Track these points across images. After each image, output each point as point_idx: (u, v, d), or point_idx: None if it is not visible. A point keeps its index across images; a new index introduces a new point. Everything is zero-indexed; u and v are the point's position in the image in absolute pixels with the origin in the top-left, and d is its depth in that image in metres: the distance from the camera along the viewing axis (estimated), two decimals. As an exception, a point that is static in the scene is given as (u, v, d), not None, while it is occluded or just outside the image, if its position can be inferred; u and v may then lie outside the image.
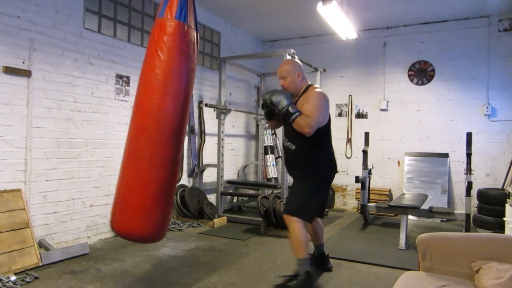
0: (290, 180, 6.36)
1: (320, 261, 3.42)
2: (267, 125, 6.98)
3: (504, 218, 4.16)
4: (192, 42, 2.44)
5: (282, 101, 2.84)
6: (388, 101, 6.44)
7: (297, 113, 2.80)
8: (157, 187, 2.36)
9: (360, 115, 6.68)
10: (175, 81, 2.36)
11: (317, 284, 3.05)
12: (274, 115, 3.12)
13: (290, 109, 2.82)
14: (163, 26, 2.34)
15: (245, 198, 6.46)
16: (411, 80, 6.29)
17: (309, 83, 3.12)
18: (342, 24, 4.88)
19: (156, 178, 2.35)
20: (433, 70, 6.14)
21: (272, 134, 7.05)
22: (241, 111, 6.44)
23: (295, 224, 2.88)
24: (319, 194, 3.03)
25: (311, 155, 2.98)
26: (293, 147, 3.02)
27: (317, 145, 2.97)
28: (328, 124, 3.03)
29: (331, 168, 3.13)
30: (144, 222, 2.36)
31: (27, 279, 2.98)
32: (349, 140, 6.73)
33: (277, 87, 3.24)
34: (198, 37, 2.55)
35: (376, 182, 6.41)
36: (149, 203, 2.35)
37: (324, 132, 2.99)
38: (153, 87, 2.33)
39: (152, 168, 2.34)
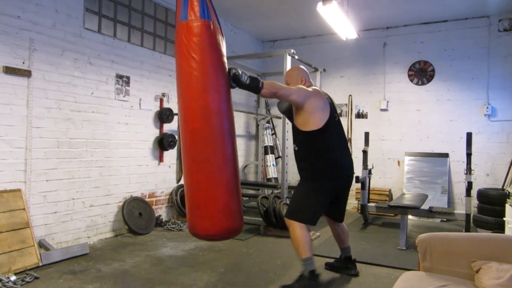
0: (290, 180, 6.38)
1: (345, 265, 3.35)
2: (267, 124, 6.99)
3: (504, 218, 4.16)
4: (220, 38, 2.48)
5: (244, 74, 2.53)
6: (388, 101, 6.44)
7: (261, 80, 2.62)
8: (226, 184, 2.41)
9: (360, 115, 6.68)
10: (214, 80, 2.37)
11: (322, 284, 3.03)
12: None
13: (257, 78, 2.65)
14: (190, 28, 2.34)
15: (245, 198, 6.46)
16: (411, 80, 6.29)
17: (313, 86, 3.12)
18: (342, 24, 4.88)
19: (222, 176, 2.39)
20: (433, 70, 6.14)
21: (272, 134, 7.06)
22: (241, 111, 6.44)
23: (293, 227, 2.89)
24: (319, 197, 2.95)
25: (311, 157, 2.98)
26: (296, 148, 3.05)
27: (318, 147, 2.92)
28: (327, 125, 2.91)
29: (336, 171, 2.98)
30: (224, 219, 2.41)
31: (27, 279, 2.98)
32: (349, 140, 6.73)
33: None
34: (222, 31, 2.56)
35: (376, 182, 6.41)
36: (224, 200, 2.40)
37: (324, 134, 2.90)
38: (197, 90, 2.34)
39: (218, 168, 2.38)
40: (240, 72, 2.50)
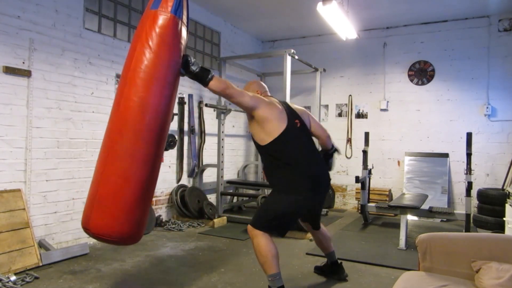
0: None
1: (333, 270, 3.24)
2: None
3: (504, 218, 4.16)
4: (184, 39, 2.41)
5: (196, 63, 2.48)
6: (388, 101, 6.44)
7: (212, 73, 2.51)
8: (140, 185, 2.26)
9: (360, 115, 6.68)
10: (162, 75, 2.28)
11: (321, 285, 3.00)
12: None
13: (204, 68, 2.51)
14: (156, 18, 2.26)
15: (245, 198, 6.46)
16: (411, 80, 6.29)
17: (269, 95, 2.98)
18: (342, 24, 4.89)
19: (139, 175, 2.25)
20: (433, 70, 6.14)
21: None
22: (241, 111, 6.42)
23: (256, 239, 2.61)
24: (288, 209, 2.66)
25: (271, 170, 2.79)
26: (262, 164, 2.93)
27: (277, 161, 2.69)
28: (284, 134, 2.65)
29: (303, 184, 2.67)
30: (127, 223, 2.24)
31: (27, 279, 2.98)
32: (349, 140, 6.73)
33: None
34: (188, 35, 2.50)
35: (376, 182, 6.41)
36: (132, 201, 2.24)
37: (281, 144, 2.66)
38: (142, 80, 2.23)
39: (139, 165, 2.24)
40: (193, 60, 2.43)
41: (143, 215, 2.36)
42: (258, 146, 2.74)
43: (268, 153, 2.71)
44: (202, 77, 2.47)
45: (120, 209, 2.22)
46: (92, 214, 2.24)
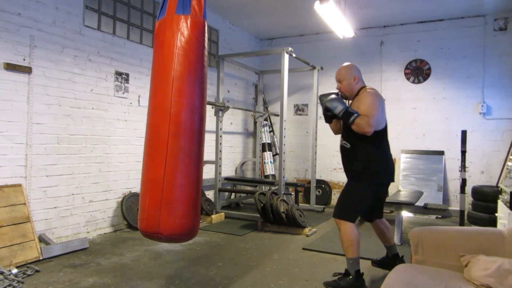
0: (287, 177, 6.43)
1: (393, 263, 3.26)
2: (265, 122, 7.04)
3: (496, 214, 4.24)
4: (206, 37, 2.56)
5: (338, 106, 2.85)
6: (384, 99, 6.48)
7: (356, 114, 2.80)
8: (199, 182, 2.43)
9: (357, 113, 6.73)
10: (201, 76, 2.42)
11: (365, 286, 3.03)
12: (333, 117, 3.07)
13: (349, 110, 2.84)
14: (190, 23, 2.36)
15: (242, 195, 6.52)
16: (408, 79, 6.36)
17: (363, 85, 3.13)
18: (339, 23, 4.94)
19: (196, 172, 2.40)
20: (429, 69, 6.20)
21: (270, 132, 7.11)
22: (239, 108, 6.49)
23: (344, 226, 2.92)
24: (366, 196, 3.00)
25: (364, 156, 2.98)
26: (348, 145, 3.03)
27: (371, 146, 2.96)
28: (385, 127, 3.02)
29: (385, 170, 3.05)
30: (194, 218, 2.39)
31: (28, 272, 3.04)
32: (346, 138, 6.78)
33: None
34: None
35: (372, 179, 6.46)
36: (196, 198, 2.40)
37: (380, 135, 2.96)
38: (189, 83, 2.36)
39: (195, 164, 2.39)
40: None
41: (199, 209, 2.54)
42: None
43: (369, 137, 2.91)
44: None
45: (188, 208, 2.35)
46: (162, 218, 2.30)
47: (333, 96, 2.96)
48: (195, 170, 2.40)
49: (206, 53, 2.49)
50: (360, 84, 3.11)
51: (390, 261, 3.38)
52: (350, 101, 3.12)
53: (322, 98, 2.98)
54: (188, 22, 2.36)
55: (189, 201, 2.37)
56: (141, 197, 2.44)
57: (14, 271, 2.96)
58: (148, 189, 2.41)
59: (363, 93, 3.01)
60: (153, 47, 2.51)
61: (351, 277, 2.91)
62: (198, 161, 2.43)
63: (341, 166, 3.28)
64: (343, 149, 3.10)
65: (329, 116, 3.03)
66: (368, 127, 2.77)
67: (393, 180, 3.14)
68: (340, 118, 2.90)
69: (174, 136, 2.34)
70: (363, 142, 2.92)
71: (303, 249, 3.98)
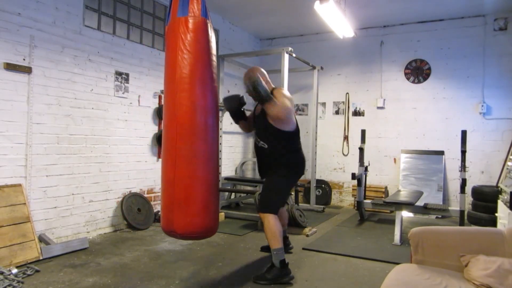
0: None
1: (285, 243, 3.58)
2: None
3: (496, 214, 4.23)
4: (212, 36, 2.60)
5: (265, 89, 3.01)
6: (384, 99, 6.50)
7: (273, 99, 3.05)
8: (209, 181, 2.46)
9: (357, 113, 6.74)
10: (205, 76, 2.45)
11: (292, 274, 3.10)
12: (242, 115, 3.37)
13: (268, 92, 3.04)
14: (189, 24, 2.41)
15: (242, 195, 6.51)
16: (408, 79, 6.36)
17: (273, 86, 3.34)
18: (339, 23, 4.94)
19: (205, 172, 2.44)
20: (429, 69, 6.20)
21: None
22: (239, 109, 6.48)
23: (269, 218, 3.07)
24: (285, 189, 3.29)
25: (282, 152, 3.18)
26: (266, 145, 3.19)
27: (286, 144, 3.19)
28: (296, 128, 3.27)
29: (301, 165, 3.32)
30: (206, 217, 2.45)
31: (28, 272, 3.04)
32: (346, 138, 6.79)
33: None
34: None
35: (372, 179, 6.48)
36: (206, 198, 2.43)
37: (292, 134, 3.22)
38: (189, 84, 2.39)
39: (203, 163, 2.43)
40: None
41: (216, 207, 2.58)
42: (276, 130, 3.14)
43: (283, 136, 3.19)
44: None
45: (198, 207, 2.40)
46: (174, 217, 2.41)
47: (239, 96, 3.31)
48: (204, 170, 2.44)
49: (211, 51, 2.51)
50: (269, 86, 3.30)
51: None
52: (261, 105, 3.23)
53: (229, 97, 3.33)
54: (187, 23, 2.41)
55: (200, 200, 2.43)
56: (161, 197, 2.55)
57: (14, 271, 2.96)
58: (163, 190, 2.51)
59: (277, 92, 3.20)
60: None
61: (275, 267, 3.03)
62: (207, 161, 2.46)
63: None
64: (260, 149, 3.25)
65: (236, 113, 3.31)
66: (282, 110, 3.06)
67: (303, 173, 3.41)
68: (265, 99, 3.03)
69: (181, 138, 2.40)
70: (279, 141, 3.15)
71: (303, 249, 3.98)
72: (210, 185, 2.48)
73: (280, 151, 3.18)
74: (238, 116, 3.36)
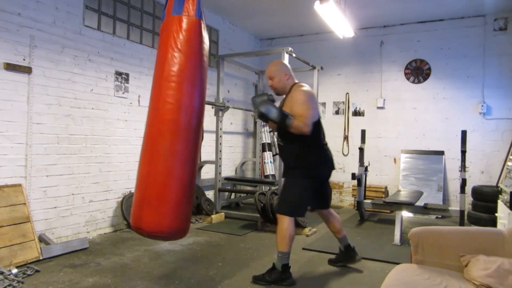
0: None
1: (347, 255, 3.42)
2: (265, 122, 7.04)
3: (496, 214, 4.23)
4: (206, 38, 2.55)
5: (272, 110, 2.86)
6: (384, 99, 6.50)
7: (290, 117, 2.86)
8: (185, 182, 2.40)
9: (357, 113, 6.74)
10: (194, 76, 2.41)
11: (293, 278, 3.07)
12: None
13: (284, 113, 2.88)
14: (182, 23, 2.38)
15: (242, 195, 6.52)
16: (408, 79, 6.36)
17: (296, 81, 3.18)
18: (339, 23, 4.94)
19: (182, 172, 2.38)
20: (429, 69, 6.20)
21: (270, 131, 7.10)
22: (239, 108, 6.50)
23: (283, 220, 2.99)
24: (308, 190, 3.07)
25: (302, 152, 3.04)
26: (283, 143, 3.13)
27: (307, 142, 3.01)
28: (318, 121, 3.04)
29: (324, 163, 3.16)
30: (176, 218, 2.38)
31: (28, 272, 3.04)
32: (346, 138, 6.79)
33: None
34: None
35: (372, 179, 6.48)
36: (179, 198, 2.38)
37: (314, 129, 2.98)
38: (176, 83, 2.36)
39: (181, 163, 2.37)
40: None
41: (189, 210, 2.51)
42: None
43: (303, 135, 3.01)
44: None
45: (169, 206, 2.34)
46: (143, 214, 2.35)
47: (265, 98, 2.98)
48: (181, 170, 2.38)
49: (203, 52, 2.47)
50: (292, 80, 3.16)
51: (343, 255, 3.44)
52: (284, 96, 3.18)
53: (255, 100, 2.98)
54: (180, 22, 2.38)
55: (172, 200, 2.35)
56: (134, 193, 2.50)
57: (14, 271, 2.96)
58: (136, 185, 2.47)
59: (295, 90, 3.06)
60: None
61: (276, 270, 2.99)
62: (186, 161, 2.40)
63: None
64: (279, 147, 3.19)
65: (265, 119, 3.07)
66: (306, 127, 2.85)
67: (329, 172, 3.23)
68: (276, 122, 2.93)
69: (161, 135, 2.35)
70: (296, 138, 2.97)
71: (303, 249, 3.98)
72: (185, 186, 2.40)
73: (296, 150, 3.04)
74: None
